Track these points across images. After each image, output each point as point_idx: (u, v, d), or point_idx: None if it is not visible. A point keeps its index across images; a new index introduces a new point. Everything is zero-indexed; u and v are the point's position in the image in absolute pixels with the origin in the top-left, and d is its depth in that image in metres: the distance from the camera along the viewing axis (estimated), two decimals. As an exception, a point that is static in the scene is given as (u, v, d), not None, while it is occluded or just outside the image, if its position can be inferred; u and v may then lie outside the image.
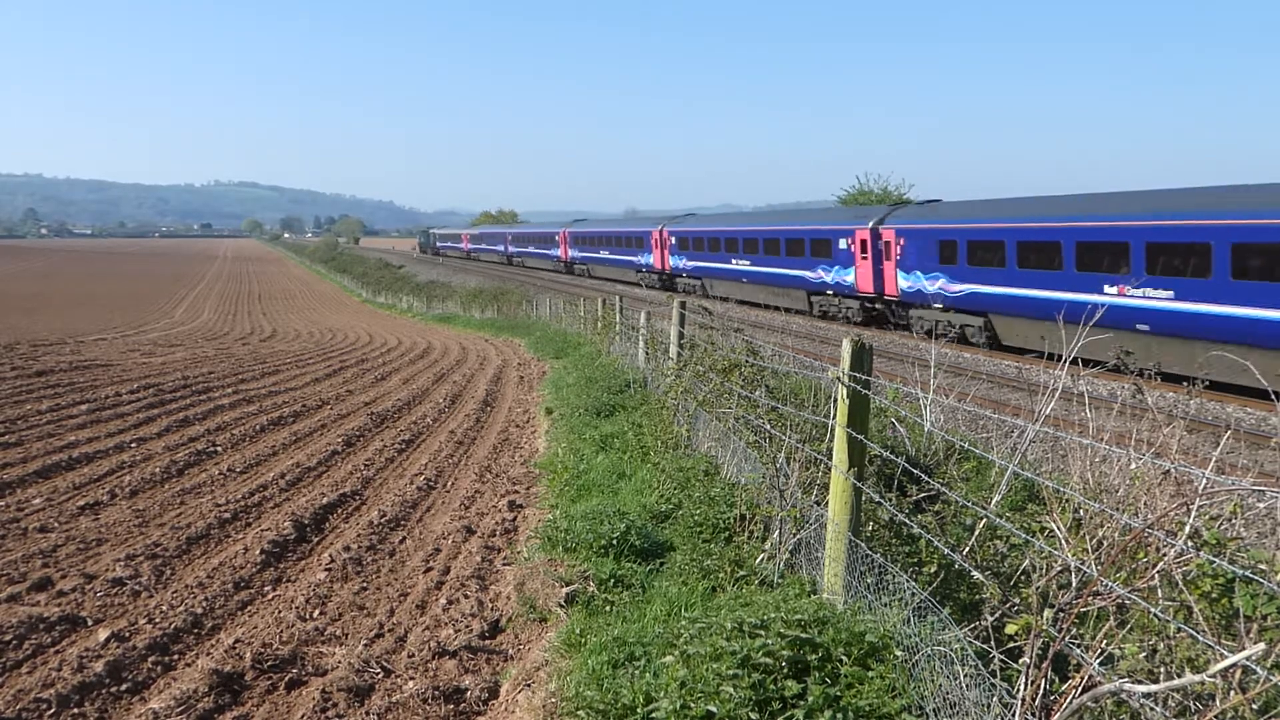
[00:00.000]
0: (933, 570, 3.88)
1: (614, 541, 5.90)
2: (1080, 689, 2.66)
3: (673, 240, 43.58)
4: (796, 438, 5.41)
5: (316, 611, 5.80)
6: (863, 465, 4.19)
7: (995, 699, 2.84)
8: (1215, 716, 2.45)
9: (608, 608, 5.09)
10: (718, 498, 6.01)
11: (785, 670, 3.37)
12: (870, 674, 3.28)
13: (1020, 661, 2.84)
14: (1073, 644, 2.87)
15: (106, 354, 21.80)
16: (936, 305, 24.85)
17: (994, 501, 4.60)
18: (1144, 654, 2.76)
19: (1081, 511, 3.39)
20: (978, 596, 3.78)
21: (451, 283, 61.18)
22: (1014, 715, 2.74)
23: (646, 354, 13.32)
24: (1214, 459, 3.62)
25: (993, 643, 3.12)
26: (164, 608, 5.67)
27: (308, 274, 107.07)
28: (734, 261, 37.05)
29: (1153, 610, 2.72)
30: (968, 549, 3.90)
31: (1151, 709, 2.49)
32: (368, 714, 4.34)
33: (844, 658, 3.39)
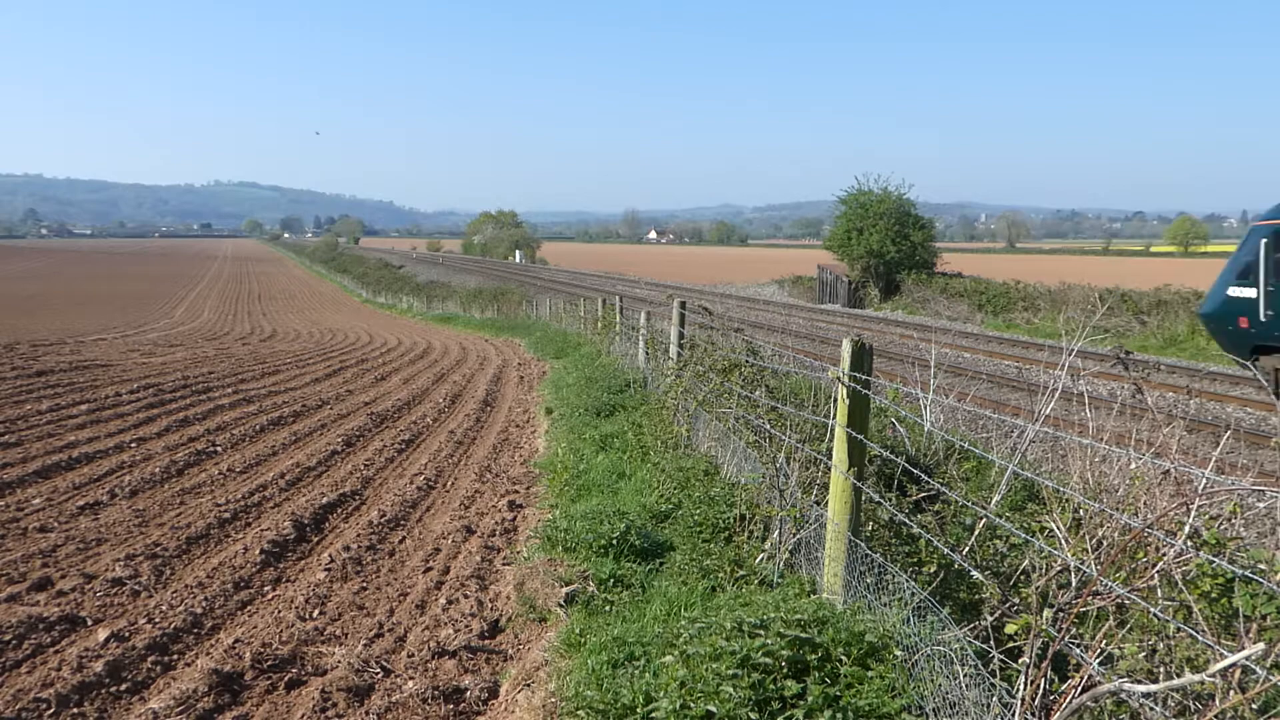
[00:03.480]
0: (932, 570, 3.88)
1: (614, 541, 5.89)
2: (1080, 689, 2.66)
3: None
4: (796, 438, 5.41)
5: (316, 611, 5.80)
6: (863, 465, 4.19)
7: (995, 699, 2.84)
8: (1215, 716, 2.45)
9: (607, 608, 5.09)
10: (717, 498, 6.01)
11: (785, 670, 3.37)
12: (870, 674, 3.28)
13: (1020, 661, 2.84)
14: (1072, 644, 2.86)
15: (106, 354, 21.80)
16: None
17: (994, 501, 4.60)
18: (1144, 654, 2.76)
19: (1081, 511, 3.39)
20: (978, 596, 3.78)
21: (451, 283, 61.22)
22: (1014, 715, 2.74)
23: (646, 354, 13.32)
24: (1214, 459, 3.62)
25: (992, 642, 3.12)
26: (164, 608, 5.67)
27: (308, 274, 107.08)
28: None
29: (1152, 610, 2.72)
30: (967, 549, 3.90)
31: (1151, 709, 2.49)
32: (367, 714, 4.34)
33: (844, 657, 3.39)
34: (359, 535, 7.42)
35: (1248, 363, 14.64)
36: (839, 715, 3.11)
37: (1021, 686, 2.77)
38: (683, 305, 10.22)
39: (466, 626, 5.38)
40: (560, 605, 5.24)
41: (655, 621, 4.62)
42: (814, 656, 3.41)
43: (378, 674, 4.81)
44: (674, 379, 8.54)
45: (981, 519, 3.90)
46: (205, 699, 4.47)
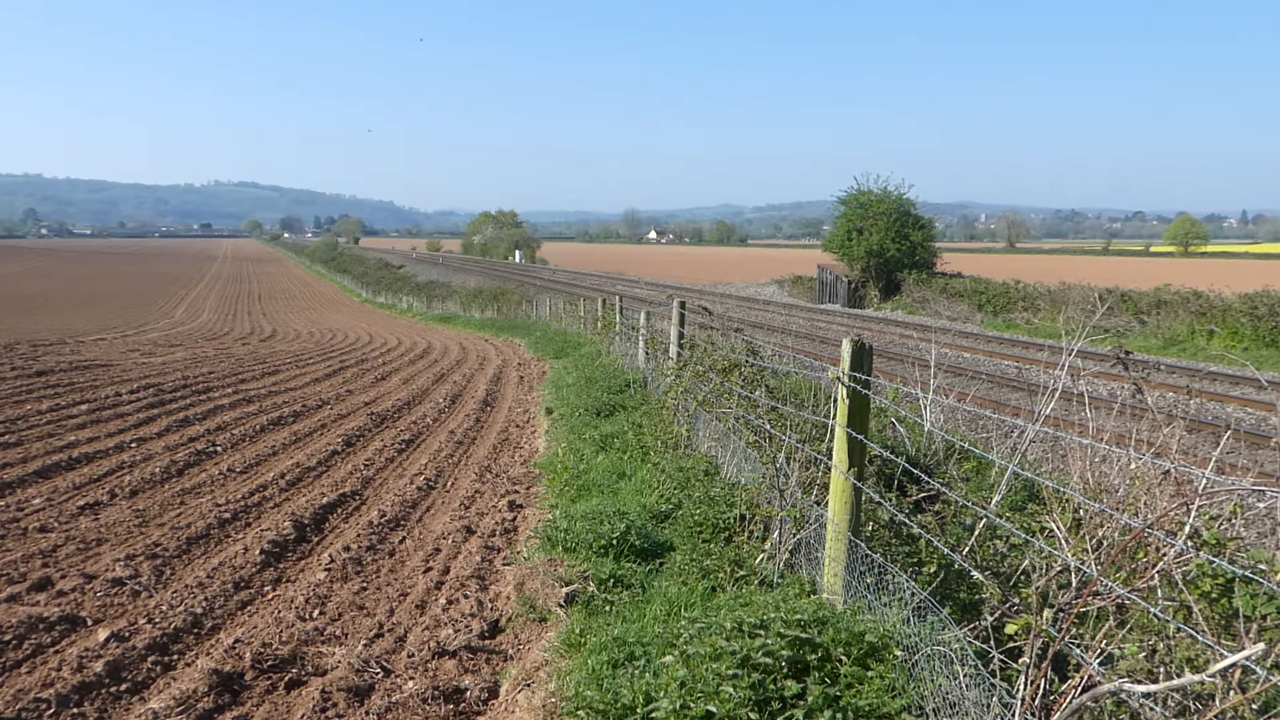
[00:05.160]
0: (932, 570, 3.88)
1: (614, 541, 5.89)
2: (1080, 689, 2.66)
3: None
4: (796, 438, 5.41)
5: (316, 611, 5.80)
6: (863, 465, 4.19)
7: (995, 699, 2.84)
8: (1215, 716, 2.45)
9: (607, 608, 5.09)
10: (718, 498, 6.01)
11: (785, 670, 3.37)
12: (870, 674, 3.28)
13: (1020, 661, 2.84)
14: (1072, 644, 2.87)
15: (106, 354, 21.80)
16: None
17: (994, 501, 4.60)
18: (1144, 654, 2.76)
19: (1081, 511, 3.39)
20: (978, 596, 3.78)
21: (451, 283, 61.23)
22: (1014, 715, 2.74)
23: (646, 354, 13.32)
24: (1214, 459, 3.62)
25: (993, 643, 3.12)
26: (164, 608, 5.67)
27: (308, 274, 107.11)
28: None
29: (1153, 610, 2.72)
30: (967, 549, 3.90)
31: (1151, 709, 2.49)
32: (367, 714, 4.34)
33: (844, 658, 3.39)
34: (359, 535, 7.42)
35: None
36: (839, 715, 3.11)
37: (1021, 686, 2.77)
38: (682, 305, 10.22)
39: (466, 627, 5.38)
40: (560, 605, 5.24)
41: (655, 622, 4.62)
42: (814, 656, 3.41)
43: (378, 674, 4.81)
44: (674, 379, 8.54)
45: (981, 519, 3.90)
46: (205, 699, 4.47)
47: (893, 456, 5.24)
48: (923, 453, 7.20)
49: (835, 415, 4.28)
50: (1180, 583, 2.90)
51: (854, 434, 4.12)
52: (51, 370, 17.20)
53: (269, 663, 4.92)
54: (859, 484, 4.12)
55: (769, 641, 3.46)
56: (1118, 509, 3.53)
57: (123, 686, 4.62)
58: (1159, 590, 3.01)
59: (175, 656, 5.06)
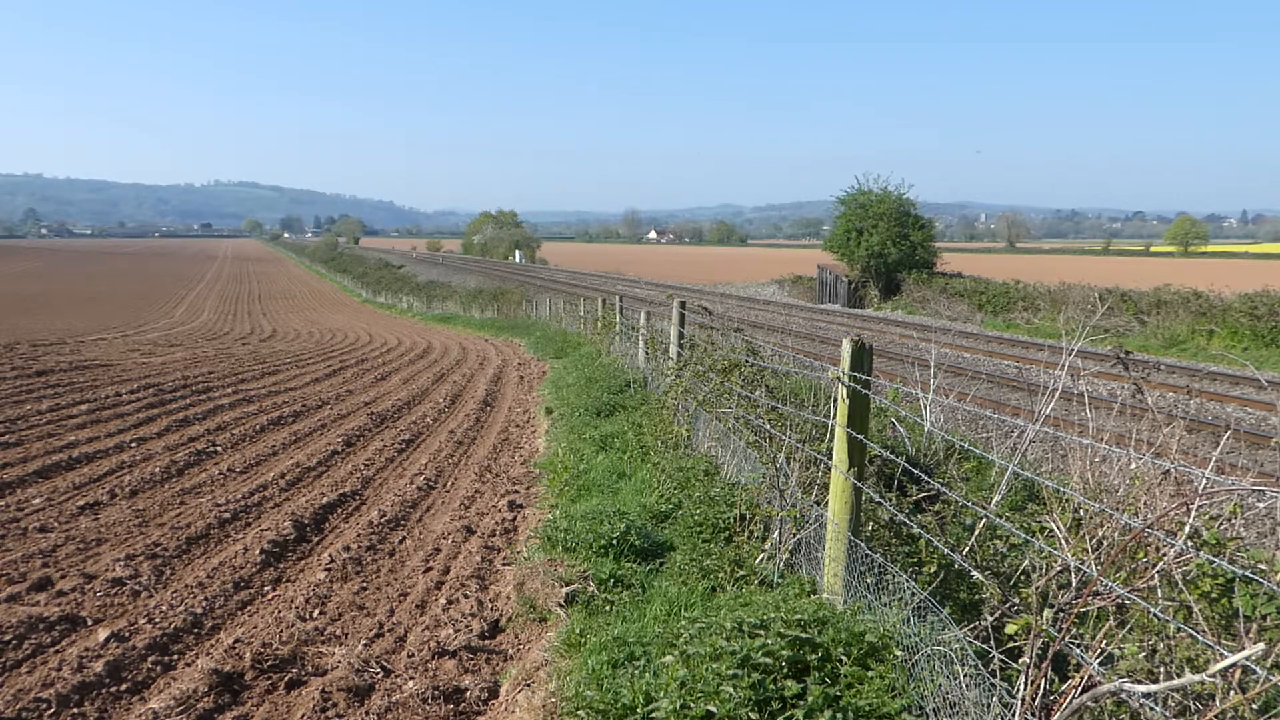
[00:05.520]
0: (932, 570, 3.88)
1: (614, 541, 5.89)
2: (1080, 689, 2.66)
3: None
4: (796, 438, 5.41)
5: (316, 611, 5.80)
6: (863, 465, 4.19)
7: (995, 699, 2.84)
8: (1215, 716, 2.45)
9: (608, 608, 5.09)
10: (718, 498, 6.01)
11: (785, 670, 3.37)
12: (870, 674, 3.28)
13: (1020, 661, 2.84)
14: (1073, 644, 2.87)
15: (106, 354, 21.80)
16: None
17: (994, 501, 4.60)
18: (1144, 654, 2.77)
19: (1081, 511, 3.39)
20: (978, 596, 3.78)
21: (451, 283, 61.24)
22: (1014, 715, 2.74)
23: (646, 354, 13.33)
24: (1214, 459, 3.62)
25: (993, 643, 3.12)
26: (164, 607, 5.67)
27: (308, 274, 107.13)
28: None
29: (1153, 610, 2.72)
30: (968, 549, 3.90)
31: (1151, 709, 2.49)
32: (367, 714, 4.34)
33: (844, 658, 3.39)
34: (359, 535, 7.42)
35: None
36: (839, 715, 3.11)
37: (1022, 686, 2.77)
38: (682, 305, 10.22)
39: (467, 626, 5.38)
40: (560, 605, 5.24)
41: (655, 621, 4.62)
42: (814, 656, 3.41)
43: (378, 674, 4.81)
44: (674, 379, 8.54)
45: (981, 519, 3.90)
46: (205, 699, 4.47)
47: (893, 456, 5.24)
48: (923, 453, 7.20)
49: (835, 415, 4.28)
50: (1180, 583, 2.90)
51: (854, 434, 4.12)
52: (51, 370, 17.20)
53: (269, 663, 4.92)
54: (859, 484, 4.12)
55: (769, 641, 3.46)
56: (1118, 509, 3.53)
57: (123, 686, 4.62)
58: (1159, 590, 3.01)
59: (175, 656, 5.06)
